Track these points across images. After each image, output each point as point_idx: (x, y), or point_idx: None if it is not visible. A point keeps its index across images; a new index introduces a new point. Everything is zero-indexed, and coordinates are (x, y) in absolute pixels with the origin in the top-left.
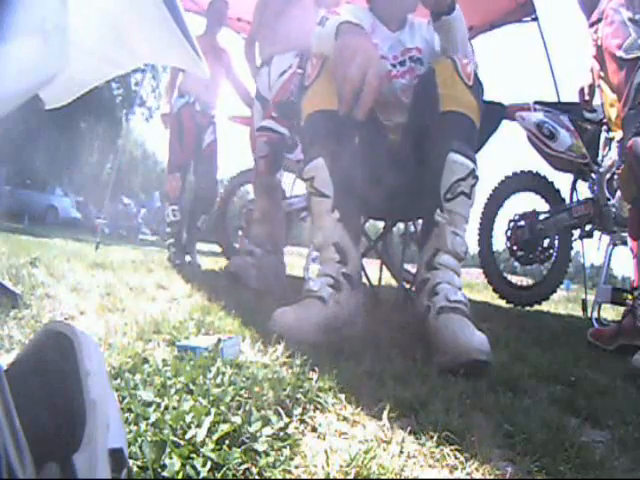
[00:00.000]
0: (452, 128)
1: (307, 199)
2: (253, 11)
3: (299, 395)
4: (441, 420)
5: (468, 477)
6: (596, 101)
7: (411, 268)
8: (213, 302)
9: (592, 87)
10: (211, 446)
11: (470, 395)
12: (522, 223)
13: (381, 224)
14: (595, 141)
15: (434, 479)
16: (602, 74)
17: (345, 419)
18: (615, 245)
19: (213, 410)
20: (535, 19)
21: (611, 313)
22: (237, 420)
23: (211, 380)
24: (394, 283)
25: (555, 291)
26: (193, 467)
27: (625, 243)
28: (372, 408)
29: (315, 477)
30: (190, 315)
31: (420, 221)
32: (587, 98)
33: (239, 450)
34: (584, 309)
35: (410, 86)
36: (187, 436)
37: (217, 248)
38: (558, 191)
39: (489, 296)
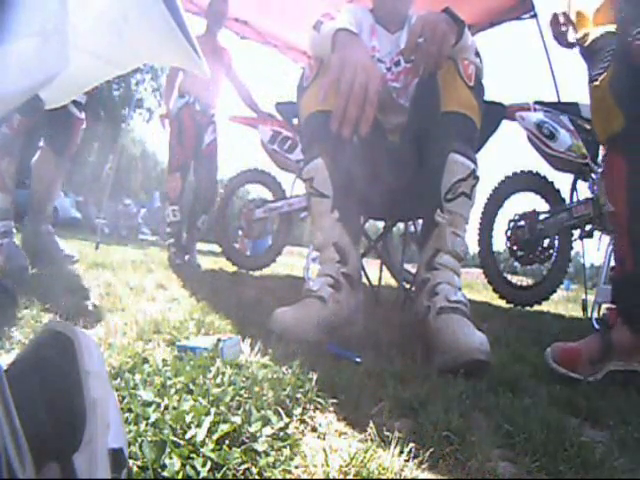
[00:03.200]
0: (453, 129)
1: (307, 199)
2: None
3: (299, 395)
4: (441, 420)
5: (468, 477)
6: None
7: (411, 268)
8: (213, 302)
9: (567, 15)
10: (211, 446)
11: (470, 395)
12: (522, 223)
13: (381, 224)
14: (595, 141)
15: (434, 479)
16: None
17: (345, 419)
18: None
19: (213, 410)
20: (534, 16)
21: None
22: (237, 420)
23: (211, 380)
24: (394, 283)
25: (555, 291)
26: (193, 467)
27: None
28: (372, 408)
29: (315, 477)
30: (190, 315)
31: (420, 221)
32: (563, 29)
33: (239, 450)
34: (584, 309)
35: (405, 88)
36: (187, 436)
37: (217, 248)
38: (558, 191)
39: (489, 296)
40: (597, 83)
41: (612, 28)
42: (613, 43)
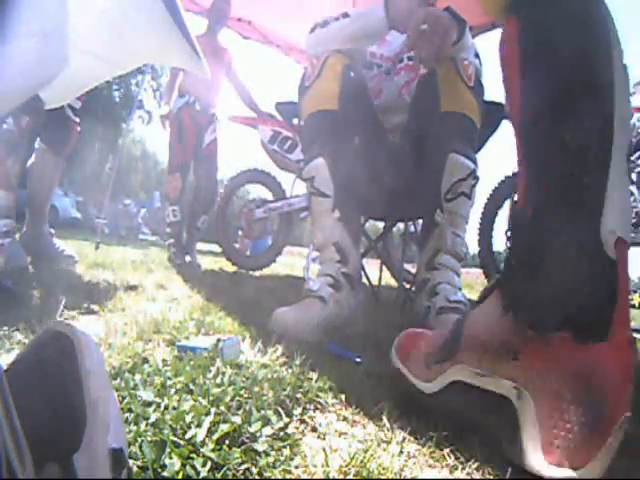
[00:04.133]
0: (453, 129)
1: (307, 199)
2: None
3: (299, 395)
4: (441, 420)
5: (468, 477)
6: None
7: (411, 268)
8: (213, 302)
9: None
10: (211, 446)
11: None
12: None
13: (381, 224)
14: None
15: (434, 479)
16: None
17: (345, 419)
18: None
19: (213, 410)
20: None
21: None
22: (237, 420)
23: (211, 380)
24: (394, 283)
25: None
26: (193, 467)
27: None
28: (372, 408)
29: (315, 477)
30: (190, 315)
31: (420, 221)
32: None
33: (239, 450)
34: None
35: (409, 80)
36: (187, 436)
37: (217, 248)
38: None
39: None
40: None
41: None
42: None
